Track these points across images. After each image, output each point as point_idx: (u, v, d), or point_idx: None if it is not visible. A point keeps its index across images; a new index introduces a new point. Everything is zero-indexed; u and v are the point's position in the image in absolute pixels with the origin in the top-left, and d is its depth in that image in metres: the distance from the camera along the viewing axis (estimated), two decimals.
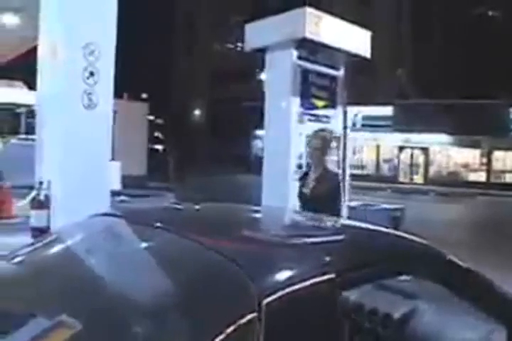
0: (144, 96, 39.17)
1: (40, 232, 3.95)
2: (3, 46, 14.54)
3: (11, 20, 12.43)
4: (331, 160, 4.92)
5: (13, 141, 13.05)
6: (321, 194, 4.48)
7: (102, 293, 1.80)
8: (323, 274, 1.68)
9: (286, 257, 1.82)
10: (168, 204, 2.70)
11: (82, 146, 4.14)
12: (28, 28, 12.21)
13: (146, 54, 36.46)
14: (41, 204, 4.04)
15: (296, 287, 1.59)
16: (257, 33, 6.64)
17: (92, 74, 4.13)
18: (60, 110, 4.16)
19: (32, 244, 2.71)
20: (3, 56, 16.78)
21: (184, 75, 40.35)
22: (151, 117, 33.35)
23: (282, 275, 1.68)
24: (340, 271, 1.72)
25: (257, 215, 2.85)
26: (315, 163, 4.66)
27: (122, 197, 12.96)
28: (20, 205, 5.74)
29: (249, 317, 1.48)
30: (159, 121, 42.48)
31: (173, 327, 1.56)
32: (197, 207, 2.72)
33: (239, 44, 34.13)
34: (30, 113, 14.37)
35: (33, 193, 4.16)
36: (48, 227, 3.99)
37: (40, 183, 4.15)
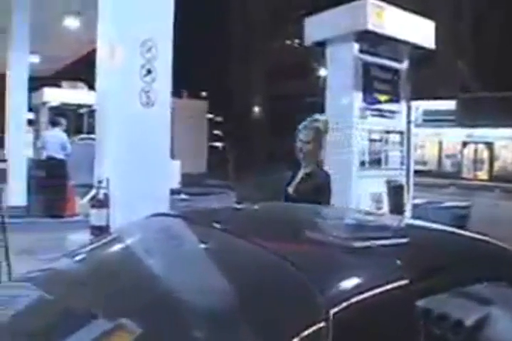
0: (204, 94, 39.51)
1: (99, 231, 3.96)
2: (66, 48, 14.94)
3: (72, 23, 12.78)
4: (324, 157, 4.05)
5: (76, 140, 13.33)
6: (304, 193, 3.82)
7: (159, 296, 1.72)
8: (395, 281, 1.53)
9: (355, 262, 1.68)
10: (227, 205, 2.60)
11: (141, 144, 4.11)
12: (89, 30, 12.59)
13: (205, 52, 36.72)
14: (100, 202, 4.04)
15: (366, 295, 1.45)
16: (316, 27, 6.48)
17: (149, 71, 4.09)
18: (118, 109, 4.15)
19: (90, 243, 2.69)
20: (66, 58, 17.27)
21: (243, 72, 40.44)
22: (211, 115, 33.57)
23: (351, 282, 1.55)
24: (413, 276, 1.56)
25: (320, 215, 2.70)
26: (305, 160, 3.96)
27: (182, 196, 13.05)
28: (81, 203, 5.84)
29: (315, 327, 1.35)
30: (218, 118, 42.76)
31: (234, 337, 1.45)
32: (257, 207, 2.61)
33: (297, 40, 33.90)
34: (92, 113, 14.70)
35: (93, 192, 4.17)
36: (108, 226, 3.99)
37: (100, 182, 4.15)
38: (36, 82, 16.10)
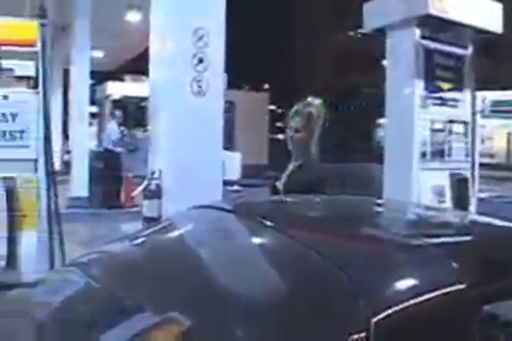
0: (266, 87, 39.43)
1: (151, 222, 3.93)
2: (129, 42, 15.17)
3: (134, 17, 13.00)
4: (317, 146, 3.47)
5: (138, 133, 13.51)
6: (295, 188, 3.33)
7: (204, 290, 1.63)
8: (451, 285, 1.36)
9: (406, 262, 1.52)
10: (279, 197, 2.49)
11: (193, 135, 4.03)
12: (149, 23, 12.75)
13: (267, 44, 36.60)
14: (152, 193, 4.01)
15: (416, 301, 1.29)
16: (375, 13, 6.23)
17: (201, 60, 4.01)
18: (170, 99, 4.10)
19: (136, 233, 2.66)
20: (128, 52, 17.55)
21: (305, 64, 40.13)
22: (272, 107, 33.48)
23: (398, 285, 1.39)
24: (472, 280, 1.39)
25: (376, 210, 2.53)
26: (296, 150, 3.50)
27: (236, 187, 13.00)
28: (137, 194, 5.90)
29: (355, 337, 1.21)
30: (280, 111, 42.63)
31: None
32: (307, 199, 2.49)
33: (360, 30, 33.34)
34: None
35: (145, 183, 4.15)
36: (160, 217, 3.96)
37: (152, 173, 4.13)
38: (101, 76, 16.49)
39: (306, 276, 1.49)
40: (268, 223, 1.91)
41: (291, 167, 3.50)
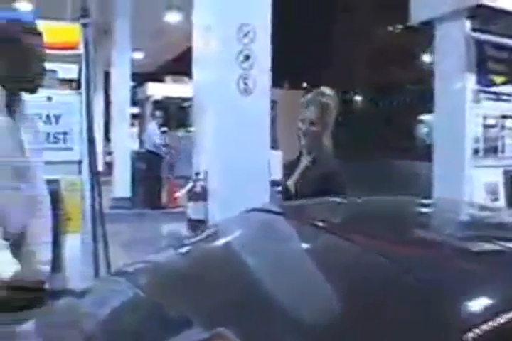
0: (305, 85, 39.24)
1: (197, 224, 3.85)
2: (169, 43, 15.22)
3: (174, 18, 13.01)
4: (330, 140, 3.21)
5: (180, 134, 13.51)
6: (309, 184, 3.03)
7: (257, 301, 1.52)
8: None
9: (491, 270, 1.34)
10: (329, 198, 2.35)
11: (239, 134, 3.91)
12: (190, 24, 12.77)
13: (307, 42, 36.34)
14: (198, 195, 3.92)
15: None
16: (423, 5, 6.03)
17: (247, 57, 3.89)
18: (215, 97, 3.99)
19: (185, 239, 2.56)
20: (168, 52, 17.63)
21: (345, 61, 39.72)
22: None
23: (490, 298, 1.23)
24: None
25: (435, 211, 2.36)
26: (308, 144, 3.19)
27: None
28: (181, 196, 5.85)
29: None
30: None
31: None
32: (362, 201, 2.34)
33: (402, 24, 32.71)
34: None
35: (190, 184, 4.06)
36: (206, 219, 3.87)
37: (197, 174, 4.04)
38: (141, 78, 16.60)
39: (376, 289, 1.35)
40: (324, 226, 1.79)
41: (303, 162, 3.22)
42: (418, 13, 6.05)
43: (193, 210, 3.99)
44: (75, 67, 4.00)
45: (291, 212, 2.20)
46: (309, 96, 3.28)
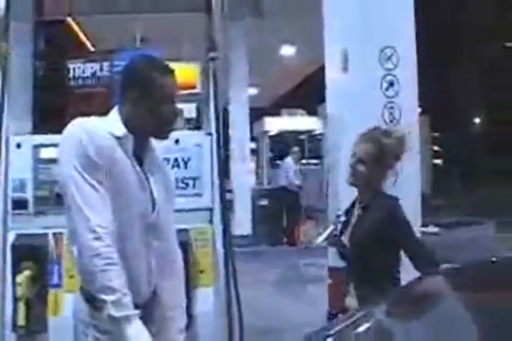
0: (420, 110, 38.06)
1: (337, 273, 3.41)
2: (282, 77, 15.15)
3: (288, 51, 12.99)
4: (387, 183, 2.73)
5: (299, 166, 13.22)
6: (367, 235, 2.59)
7: None
8: None
9: None
10: (484, 258, 1.87)
11: None
12: (303, 56, 12.63)
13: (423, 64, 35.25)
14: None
15: None
16: None
17: (391, 84, 3.43)
18: (354, 130, 3.56)
19: None
20: (282, 87, 17.57)
21: (462, 83, 38.15)
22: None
23: None
24: None
25: None
26: (360, 186, 2.72)
27: (430, 229, 11.83)
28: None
29: None
30: (435, 133, 40.84)
31: None
32: None
33: None
34: (312, 138, 14.64)
35: (330, 228, 3.62)
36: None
37: (338, 216, 3.58)
38: (255, 113, 16.67)
39: None
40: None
41: (355, 211, 2.78)
42: None
43: (335, 258, 3.54)
44: (193, 106, 4.03)
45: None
46: (365, 131, 2.79)
